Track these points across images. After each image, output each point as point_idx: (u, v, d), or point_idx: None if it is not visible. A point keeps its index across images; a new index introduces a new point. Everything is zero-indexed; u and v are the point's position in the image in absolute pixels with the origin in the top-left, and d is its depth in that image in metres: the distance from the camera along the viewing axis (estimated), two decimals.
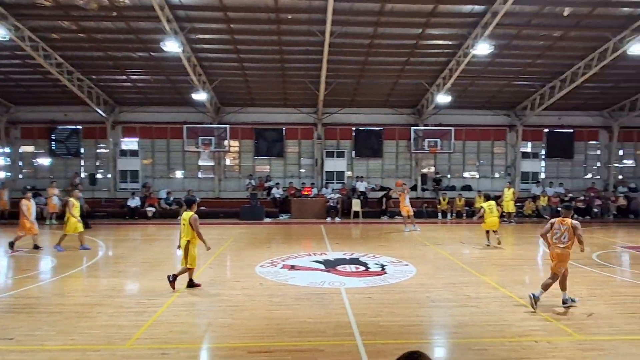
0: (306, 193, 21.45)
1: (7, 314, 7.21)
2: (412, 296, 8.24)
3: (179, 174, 23.32)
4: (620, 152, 24.12)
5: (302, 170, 23.39)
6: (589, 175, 24.30)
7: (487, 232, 13.54)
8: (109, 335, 6.19)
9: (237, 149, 23.35)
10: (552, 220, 7.80)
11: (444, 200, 21.25)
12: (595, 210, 21.48)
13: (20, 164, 23.05)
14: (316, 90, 19.35)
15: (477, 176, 23.87)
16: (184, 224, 8.72)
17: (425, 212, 21.12)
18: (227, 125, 21.32)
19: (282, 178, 22.91)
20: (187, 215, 8.75)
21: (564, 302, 7.44)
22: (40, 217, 18.52)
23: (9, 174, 22.49)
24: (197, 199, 8.36)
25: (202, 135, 20.77)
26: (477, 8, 14.15)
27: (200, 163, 23.15)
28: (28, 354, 5.60)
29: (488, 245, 13.43)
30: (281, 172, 23.29)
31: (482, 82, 19.70)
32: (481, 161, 23.96)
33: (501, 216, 20.00)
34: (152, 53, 16.82)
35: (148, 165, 22.98)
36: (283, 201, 21.43)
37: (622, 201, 21.73)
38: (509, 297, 8.19)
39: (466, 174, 23.97)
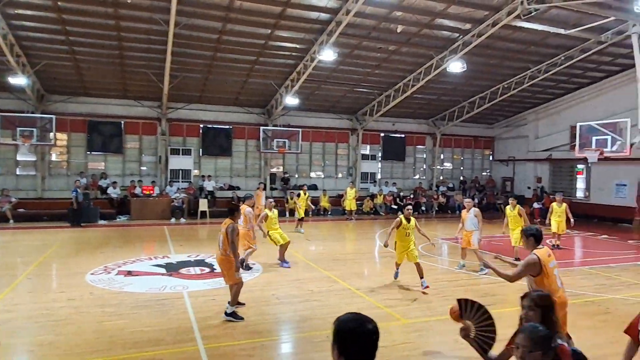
0: (147, 192, 19.93)
1: None
2: (257, 295, 8.25)
3: None
4: (442, 156, 27.78)
5: (144, 168, 21.68)
6: (417, 176, 27.44)
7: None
8: None
9: (65, 142, 20.60)
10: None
11: (291, 199, 21.84)
12: (422, 207, 24.34)
13: None
14: (160, 83, 18.10)
15: (323, 176, 25.11)
16: None
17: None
18: (53, 116, 18.59)
19: (121, 176, 20.94)
20: None
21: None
22: None
23: None
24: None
25: (21, 125, 17.64)
26: (323, 16, 14.82)
27: (19, 158, 19.63)
28: None
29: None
30: (119, 170, 21.27)
31: (327, 87, 20.75)
32: (326, 162, 25.27)
33: (343, 213, 21.72)
34: None
35: None
36: (121, 201, 19.61)
37: (442, 199, 25.04)
38: (347, 289, 8.75)
39: (313, 174, 25.04)
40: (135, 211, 19.05)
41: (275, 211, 11.45)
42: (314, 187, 23.82)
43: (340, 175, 25.41)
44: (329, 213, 21.96)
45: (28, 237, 14.82)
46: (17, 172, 19.87)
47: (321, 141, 24.77)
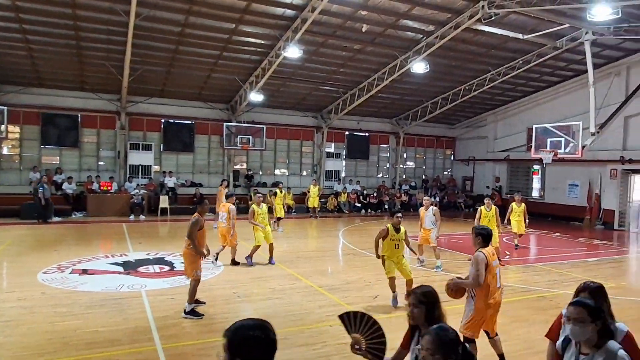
0: (105, 188, 19.26)
1: None
2: (218, 293, 8.15)
3: None
4: (404, 155, 28.23)
5: (102, 163, 20.93)
6: (381, 175, 27.79)
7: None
8: None
9: (17, 135, 19.63)
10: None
11: (270, 197, 21.63)
12: (385, 205, 24.67)
13: None
14: (120, 76, 17.49)
15: (287, 173, 25.03)
16: None
17: (237, 208, 21.15)
18: (5, 107, 17.64)
19: (77, 171, 20.13)
20: None
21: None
22: None
23: None
24: None
25: None
26: (289, 12, 14.73)
27: None
28: None
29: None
30: (75, 165, 20.45)
31: (292, 84, 20.67)
32: (291, 159, 25.20)
33: (307, 211, 21.74)
34: None
35: None
36: (77, 197, 18.87)
37: (404, 197, 25.46)
38: (309, 286, 8.75)
39: (277, 171, 24.91)
40: (92, 207, 18.40)
41: (264, 206, 11.14)
42: (278, 185, 23.69)
43: (304, 173, 25.40)
44: (293, 211, 21.93)
45: None
46: None
47: (286, 138, 24.68)
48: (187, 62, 17.78)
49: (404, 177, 27.85)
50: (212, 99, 21.98)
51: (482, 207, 11.28)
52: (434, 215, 10.62)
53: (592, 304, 2.86)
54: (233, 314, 7.20)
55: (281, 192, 17.81)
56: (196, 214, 7.26)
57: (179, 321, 6.69)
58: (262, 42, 16.64)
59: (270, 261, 10.78)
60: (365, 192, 24.92)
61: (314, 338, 6.08)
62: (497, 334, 5.25)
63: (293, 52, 15.58)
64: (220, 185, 17.98)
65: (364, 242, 14.26)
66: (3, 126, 17.61)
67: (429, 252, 11.01)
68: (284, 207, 17.69)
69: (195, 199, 21.00)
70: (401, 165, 27.77)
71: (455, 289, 4.89)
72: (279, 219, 16.58)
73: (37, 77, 18.46)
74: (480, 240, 5.17)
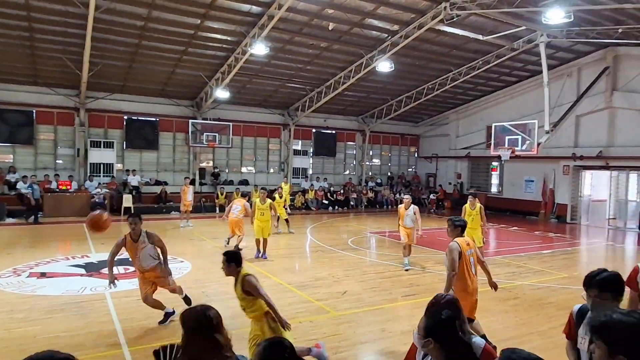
0: (64, 187, 18.54)
1: None
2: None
3: None
4: (370, 152, 28.57)
5: (60, 162, 20.14)
6: (347, 172, 28.03)
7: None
8: None
9: None
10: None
11: (222, 194, 21.44)
12: (352, 202, 24.92)
13: None
14: (78, 71, 16.84)
15: (254, 171, 24.87)
16: None
17: (204, 206, 20.94)
18: None
19: (32, 170, 19.25)
20: None
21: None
22: None
23: None
24: None
25: None
26: (255, 9, 14.62)
27: None
28: None
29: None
30: (31, 163, 19.58)
31: (259, 80, 20.52)
32: (258, 157, 25.04)
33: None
34: None
35: None
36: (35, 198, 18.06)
37: (370, 194, 25.79)
38: (279, 284, 8.77)
39: (244, 169, 24.71)
40: (49, 208, 17.66)
41: (269, 201, 11.75)
42: (245, 182, 23.55)
43: (272, 170, 25.32)
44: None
45: None
46: None
47: (253, 136, 24.51)
48: (150, 57, 17.34)
49: (370, 174, 28.20)
50: (176, 96, 21.54)
51: (467, 205, 10.72)
52: (415, 214, 10.38)
53: (428, 320, 2.40)
54: None
55: (280, 197, 16.39)
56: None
57: (147, 323, 6.56)
58: (228, 38, 16.44)
59: (263, 255, 11.26)
60: (332, 189, 25.09)
61: None
62: (475, 318, 5.57)
63: (259, 49, 15.48)
64: (184, 183, 17.68)
65: (331, 239, 14.42)
66: None
67: (398, 249, 11.18)
68: (285, 208, 16.65)
69: (159, 199, 20.59)
70: (367, 163, 28.10)
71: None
72: (286, 220, 15.87)
73: None
74: (458, 231, 5.50)
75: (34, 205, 16.60)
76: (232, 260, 4.83)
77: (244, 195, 13.85)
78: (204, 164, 23.33)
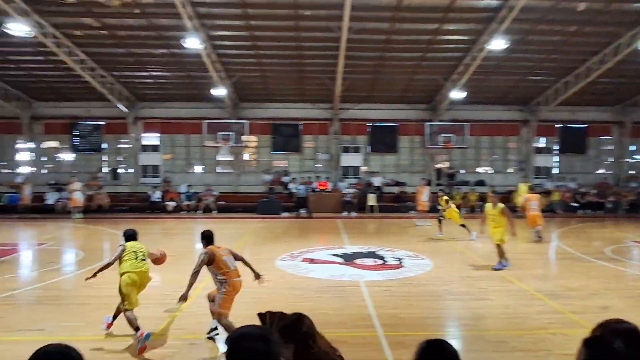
0: (322, 188, 21.71)
1: (36, 305, 7.53)
2: (429, 289, 8.47)
3: (198, 168, 23.67)
4: (632, 147, 23.97)
5: (319, 165, 23.64)
6: (601, 170, 24.16)
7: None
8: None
9: (255, 144, 23.64)
10: None
11: (458, 195, 21.37)
12: (608, 205, 21.40)
13: (44, 159, 23.57)
14: (332, 86, 19.55)
15: (491, 171, 23.91)
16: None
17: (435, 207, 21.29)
18: (246, 121, 21.60)
19: (299, 173, 23.12)
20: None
21: None
22: (64, 212, 19.17)
23: (33, 168, 23.03)
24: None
25: (221, 130, 21.02)
26: (493, 3, 14.20)
27: (219, 158, 23.44)
28: None
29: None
30: (298, 167, 23.56)
31: (496, 77, 19.71)
32: (495, 156, 23.96)
33: (513, 211, 20.22)
34: (172, 50, 17.12)
35: (168, 160, 23.37)
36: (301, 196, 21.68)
37: (632, 196, 21.60)
38: (525, 290, 8.37)
39: (480, 169, 24.03)
40: (312, 205, 20.92)
41: (501, 206, 10.13)
42: (481, 183, 22.91)
43: (510, 170, 23.85)
44: None
45: (227, 226, 17.49)
46: (218, 170, 23.63)
47: (489, 134, 23.62)
48: (392, 68, 18.73)
49: (632, 172, 23.59)
50: (414, 100, 22.56)
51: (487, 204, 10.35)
52: None
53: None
54: (446, 311, 7.49)
55: (448, 201, 15.12)
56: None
57: (396, 312, 7.14)
58: (465, 37, 16.42)
59: (499, 265, 10.02)
60: (582, 190, 22.03)
61: (535, 345, 5.88)
62: None
63: (498, 44, 14.97)
64: (420, 184, 18.39)
65: (583, 246, 12.83)
66: (244, 137, 21.52)
67: None
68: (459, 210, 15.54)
69: (396, 199, 21.86)
70: (628, 159, 23.60)
71: None
72: (462, 225, 14.65)
73: (267, 94, 21.94)
74: None
75: (302, 202, 19.75)
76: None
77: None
78: (439, 165, 23.68)
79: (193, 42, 15.00)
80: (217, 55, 17.62)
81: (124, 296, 6.04)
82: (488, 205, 10.33)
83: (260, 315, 2.57)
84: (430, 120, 22.39)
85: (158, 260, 6.78)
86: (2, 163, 23.66)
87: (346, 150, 22.83)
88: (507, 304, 7.54)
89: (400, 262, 10.64)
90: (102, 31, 16.06)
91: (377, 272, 9.77)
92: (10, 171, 23.26)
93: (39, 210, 19.78)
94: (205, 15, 14.97)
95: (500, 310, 7.21)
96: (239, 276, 6.24)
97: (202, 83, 19.84)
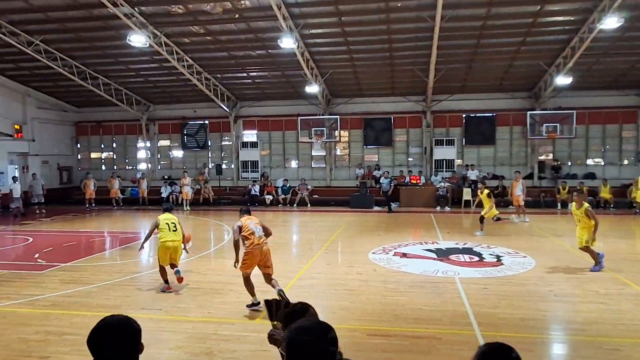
0: (414, 182, 21.39)
1: (155, 287, 8.36)
2: (532, 289, 8.06)
3: (293, 163, 24.56)
4: None
5: (411, 159, 23.28)
6: None
7: None
8: (240, 310, 6.90)
9: (346, 139, 23.92)
10: None
11: (564, 189, 19.79)
12: None
13: (158, 156, 26.07)
14: (425, 78, 19.10)
15: (602, 163, 21.78)
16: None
17: (543, 201, 19.93)
18: (338, 116, 21.96)
19: (391, 167, 22.99)
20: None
21: None
22: (176, 204, 21.09)
23: (149, 165, 25.60)
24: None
25: (315, 126, 21.62)
26: None
27: (313, 153, 24.11)
28: (175, 324, 6.45)
29: None
30: (389, 161, 23.44)
31: (609, 59, 17.84)
32: (607, 147, 21.79)
33: (631, 206, 18.37)
34: (269, 50, 17.91)
35: (266, 155, 24.55)
36: (392, 190, 21.56)
37: None
38: None
39: (589, 161, 22.01)
40: (404, 199, 20.75)
41: (586, 206, 9.22)
42: (591, 176, 21.01)
43: (625, 161, 21.56)
44: (612, 206, 19.01)
45: (321, 219, 18.05)
46: (312, 165, 24.33)
47: (600, 123, 21.51)
48: (488, 55, 17.86)
49: None
50: (513, 89, 21.28)
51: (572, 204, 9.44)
52: None
53: None
54: (551, 313, 7.07)
55: (490, 195, 14.30)
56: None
57: (495, 312, 6.88)
58: (571, 18, 15.14)
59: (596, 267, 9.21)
60: None
61: None
62: None
63: (611, 22, 13.59)
64: (515, 177, 17.38)
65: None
66: (337, 132, 21.93)
67: None
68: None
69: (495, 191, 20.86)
70: None
71: None
72: (498, 218, 14.12)
73: (359, 89, 22.07)
74: None
75: (389, 196, 19.71)
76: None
77: None
78: (542, 157, 22.13)
79: (288, 42, 15.58)
80: (310, 53, 18.12)
81: (158, 257, 8.21)
82: (573, 205, 9.50)
83: (266, 302, 2.75)
84: (532, 109, 20.96)
85: (184, 239, 8.53)
86: (126, 160, 26.51)
87: (439, 143, 22.18)
88: (623, 309, 6.93)
89: (499, 260, 10.23)
90: (206, 37, 17.30)
91: (474, 269, 9.51)
92: (132, 168, 26.04)
93: (155, 202, 21.97)
94: (298, 15, 15.46)
95: (615, 316, 6.66)
96: (260, 244, 7.09)
97: (296, 81, 20.54)
